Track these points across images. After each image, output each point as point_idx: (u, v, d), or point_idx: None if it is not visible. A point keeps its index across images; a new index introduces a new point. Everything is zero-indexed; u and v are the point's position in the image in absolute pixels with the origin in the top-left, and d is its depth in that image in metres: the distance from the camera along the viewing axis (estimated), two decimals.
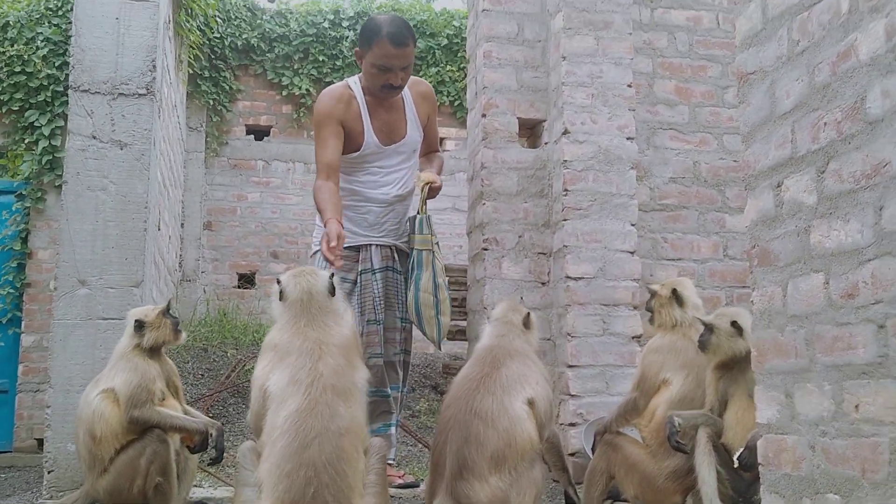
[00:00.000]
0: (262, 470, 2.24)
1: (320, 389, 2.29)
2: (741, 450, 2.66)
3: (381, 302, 3.77)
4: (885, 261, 1.86)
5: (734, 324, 2.83)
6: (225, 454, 3.14)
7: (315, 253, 3.85)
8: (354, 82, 3.95)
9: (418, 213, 3.85)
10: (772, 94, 2.31)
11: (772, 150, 2.30)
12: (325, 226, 3.61)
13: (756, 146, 2.38)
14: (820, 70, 2.11)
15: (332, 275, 2.64)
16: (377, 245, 3.83)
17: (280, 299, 2.56)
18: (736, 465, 2.65)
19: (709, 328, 2.88)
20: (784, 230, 2.23)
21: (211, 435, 3.16)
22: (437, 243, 3.83)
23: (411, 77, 4.05)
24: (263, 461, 2.25)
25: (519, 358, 2.86)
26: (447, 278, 3.82)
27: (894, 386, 1.82)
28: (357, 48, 3.89)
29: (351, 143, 3.85)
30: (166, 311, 3.22)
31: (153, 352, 3.17)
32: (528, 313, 3.07)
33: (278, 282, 2.63)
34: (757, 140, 2.38)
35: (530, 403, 2.72)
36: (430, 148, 4.16)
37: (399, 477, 3.80)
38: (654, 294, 3.17)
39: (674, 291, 3.11)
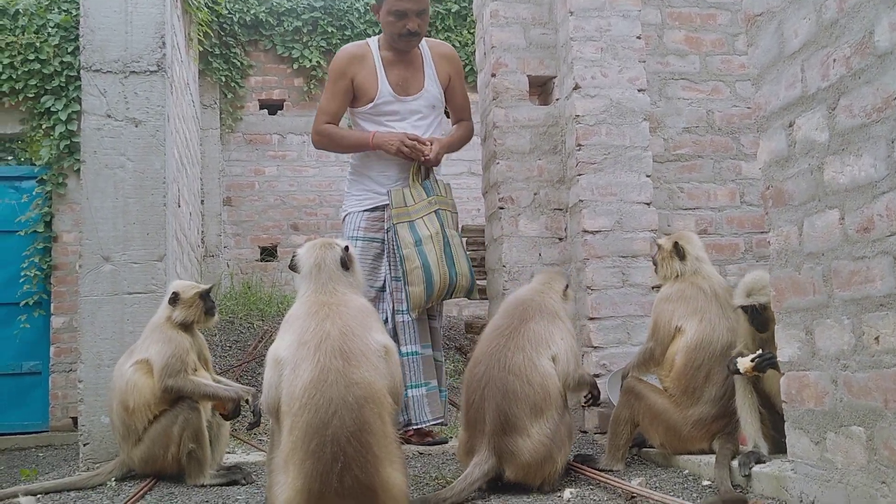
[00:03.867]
0: (287, 443, 2.20)
1: (329, 353, 2.23)
2: (757, 353, 2.69)
3: None
4: None
5: (675, 245, 3.13)
6: (262, 419, 3.19)
7: (345, 218, 3.97)
8: (373, 41, 4.03)
9: (407, 184, 3.88)
10: (780, 35, 2.31)
11: (782, 91, 2.30)
12: (371, 144, 3.83)
13: (766, 87, 2.38)
14: (827, 7, 2.11)
15: (347, 247, 2.63)
16: None
17: (295, 271, 2.57)
18: (751, 361, 2.67)
19: (658, 247, 3.25)
20: (797, 169, 2.24)
21: (247, 401, 3.22)
22: (436, 211, 3.85)
23: (434, 39, 4.13)
24: (287, 433, 2.21)
25: (548, 316, 2.94)
26: (436, 244, 3.80)
27: None
28: (373, 3, 3.97)
29: (364, 95, 3.93)
30: (205, 294, 3.27)
31: (185, 326, 3.23)
32: (567, 285, 3.16)
33: (294, 254, 2.64)
34: (767, 81, 2.37)
35: (553, 359, 2.85)
36: (459, 115, 4.17)
37: (429, 435, 3.87)
38: (658, 247, 3.27)
39: (675, 245, 3.17)
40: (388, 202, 3.83)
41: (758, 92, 2.42)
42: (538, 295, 3.03)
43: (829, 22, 2.10)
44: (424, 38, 4.04)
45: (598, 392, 3.10)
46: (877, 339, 1.96)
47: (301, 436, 2.17)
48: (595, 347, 3.82)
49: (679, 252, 3.16)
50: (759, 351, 2.70)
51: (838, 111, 2.07)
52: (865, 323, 2.00)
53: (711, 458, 2.82)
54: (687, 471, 2.97)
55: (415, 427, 3.79)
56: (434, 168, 3.96)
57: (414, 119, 3.93)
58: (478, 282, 4.80)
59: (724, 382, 2.93)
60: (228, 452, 3.69)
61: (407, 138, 3.79)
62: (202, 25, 6.90)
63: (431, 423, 3.80)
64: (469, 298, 4.03)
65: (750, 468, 2.57)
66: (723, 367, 2.90)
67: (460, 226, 4.26)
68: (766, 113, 2.38)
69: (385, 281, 3.85)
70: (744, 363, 2.70)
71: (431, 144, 3.84)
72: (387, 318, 3.78)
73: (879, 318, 1.94)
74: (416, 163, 3.85)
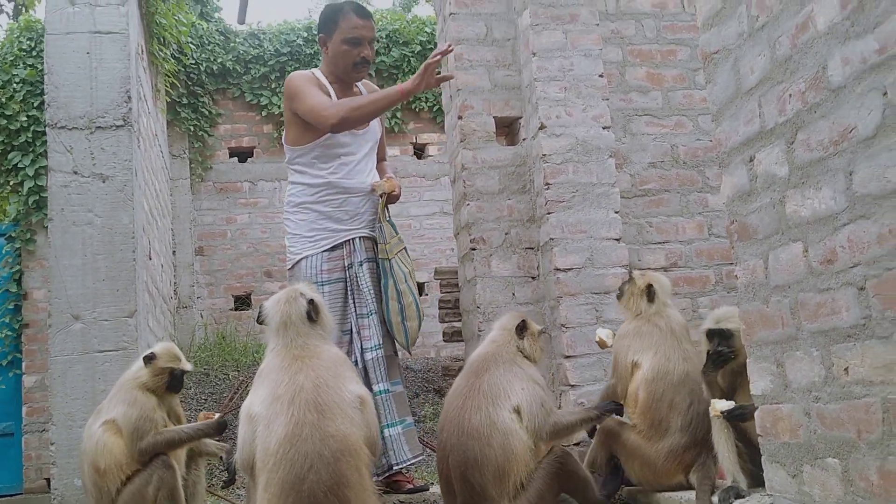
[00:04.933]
0: (263, 501, 2.17)
1: (303, 407, 2.21)
2: (732, 403, 2.70)
3: (371, 292, 3.73)
4: (859, 224, 1.89)
5: (649, 287, 3.14)
6: (237, 476, 3.14)
7: (298, 263, 3.80)
8: (319, 73, 3.92)
9: (378, 221, 3.80)
10: (736, 72, 2.35)
11: (741, 126, 2.34)
12: (401, 92, 3.65)
13: (726, 123, 2.41)
14: (780, 43, 2.15)
15: (312, 299, 2.61)
16: (360, 237, 3.80)
17: (260, 323, 2.54)
18: (721, 410, 2.68)
19: (630, 278, 3.23)
20: (760, 203, 2.27)
21: (221, 458, 3.18)
22: (404, 249, 3.83)
23: (365, 80, 4.07)
24: (262, 490, 2.18)
25: (504, 364, 2.83)
26: (414, 282, 3.80)
27: (880, 346, 1.85)
28: (320, 35, 3.87)
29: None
30: (177, 373, 3.20)
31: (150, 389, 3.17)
32: (523, 321, 3.05)
33: (261, 307, 2.61)
34: (726, 117, 2.41)
35: (517, 411, 2.71)
36: (381, 154, 4.12)
37: (408, 482, 3.77)
38: (631, 279, 3.27)
39: (648, 286, 3.20)
40: (346, 239, 3.74)
41: (718, 128, 2.45)
42: (492, 345, 2.94)
43: (784, 58, 2.14)
44: None
45: (596, 420, 3.03)
46: (846, 369, 1.97)
47: (277, 492, 2.14)
48: (572, 386, 3.81)
49: (650, 294, 3.19)
50: (732, 402, 2.73)
51: (796, 145, 2.11)
52: (834, 354, 2.01)
53: (691, 495, 2.81)
54: None
55: (395, 469, 3.71)
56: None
57: (367, 151, 3.87)
58: (454, 323, 4.81)
59: (688, 410, 2.95)
60: None
61: (429, 64, 3.60)
62: (169, 76, 6.92)
63: (412, 461, 3.67)
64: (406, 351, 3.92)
65: (730, 503, 2.57)
66: (684, 396, 2.93)
67: (425, 265, 4.26)
68: (726, 148, 2.41)
69: (351, 321, 3.72)
70: (717, 406, 2.71)
71: (388, 179, 3.86)
72: (356, 360, 3.64)
73: (847, 349, 1.96)
74: (383, 201, 3.76)
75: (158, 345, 3.26)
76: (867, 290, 1.88)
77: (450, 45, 3.71)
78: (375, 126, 3.94)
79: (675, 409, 2.97)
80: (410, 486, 3.75)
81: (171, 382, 3.18)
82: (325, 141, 3.80)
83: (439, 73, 3.69)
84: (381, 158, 4.09)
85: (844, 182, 1.93)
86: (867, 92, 1.84)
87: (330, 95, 3.81)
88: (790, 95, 2.12)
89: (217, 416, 3.14)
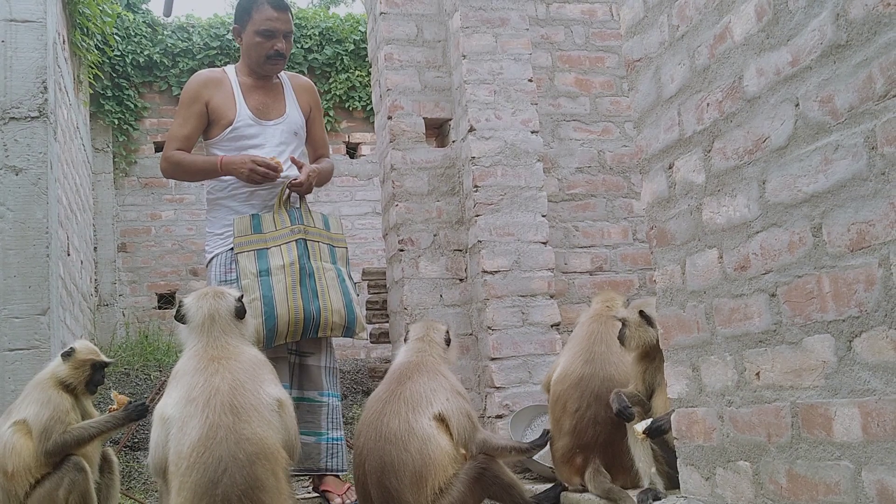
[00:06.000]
0: None
1: (219, 409, 2.16)
2: (649, 420, 2.74)
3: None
4: (771, 232, 1.93)
5: (641, 313, 2.89)
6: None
7: (211, 261, 3.68)
8: (230, 68, 3.85)
9: (273, 210, 3.61)
10: (658, 80, 2.38)
11: (661, 134, 2.37)
12: (220, 168, 3.55)
13: (647, 131, 2.45)
14: (699, 53, 2.19)
15: (241, 296, 2.56)
16: None
17: (180, 321, 2.47)
18: (643, 431, 2.72)
19: (623, 323, 2.94)
20: (678, 210, 2.30)
21: (146, 405, 3.06)
22: (296, 242, 3.56)
23: (291, 72, 3.99)
24: (175, 494, 2.13)
25: (428, 373, 2.80)
26: (289, 276, 3.50)
27: (789, 351, 1.90)
28: (235, 26, 3.79)
29: (221, 119, 3.70)
30: (98, 365, 3.09)
31: (67, 387, 3.05)
32: (448, 330, 3.06)
33: (181, 303, 2.54)
34: (647, 125, 2.45)
35: (440, 419, 2.68)
36: (319, 151, 4.00)
37: (339, 495, 3.54)
38: (624, 322, 2.98)
39: (640, 313, 2.93)
40: None
41: (639, 135, 2.49)
42: (416, 354, 2.92)
43: (702, 67, 2.18)
44: (284, 71, 3.91)
45: (527, 453, 3.01)
46: (757, 374, 2.02)
47: (190, 496, 2.09)
48: (497, 388, 3.82)
49: (647, 319, 2.92)
50: (648, 419, 2.76)
51: (713, 153, 2.15)
52: (746, 359, 2.06)
53: (592, 497, 2.85)
54: None
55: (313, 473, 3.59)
56: (304, 198, 3.70)
57: (275, 145, 3.71)
58: (382, 325, 4.78)
59: (574, 413, 2.99)
60: None
61: (255, 161, 3.52)
62: (93, 68, 6.72)
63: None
64: (352, 338, 3.73)
65: None
66: (575, 399, 2.99)
67: (356, 265, 4.08)
68: (647, 155, 2.45)
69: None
70: (638, 429, 2.75)
71: (302, 167, 3.64)
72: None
73: (759, 354, 2.00)
74: (286, 189, 3.60)
75: (78, 342, 3.15)
76: (778, 296, 1.92)
77: (279, 165, 3.56)
78: (292, 116, 3.81)
79: (566, 411, 3.02)
80: (339, 500, 3.53)
81: (92, 376, 3.06)
82: (229, 134, 3.70)
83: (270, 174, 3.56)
84: (319, 155, 3.98)
85: (758, 190, 1.98)
86: (780, 103, 1.88)
87: (234, 95, 3.72)
88: (708, 104, 2.17)
89: (129, 401, 3.00)
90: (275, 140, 3.73)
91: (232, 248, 3.57)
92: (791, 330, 1.88)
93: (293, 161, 3.71)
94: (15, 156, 3.47)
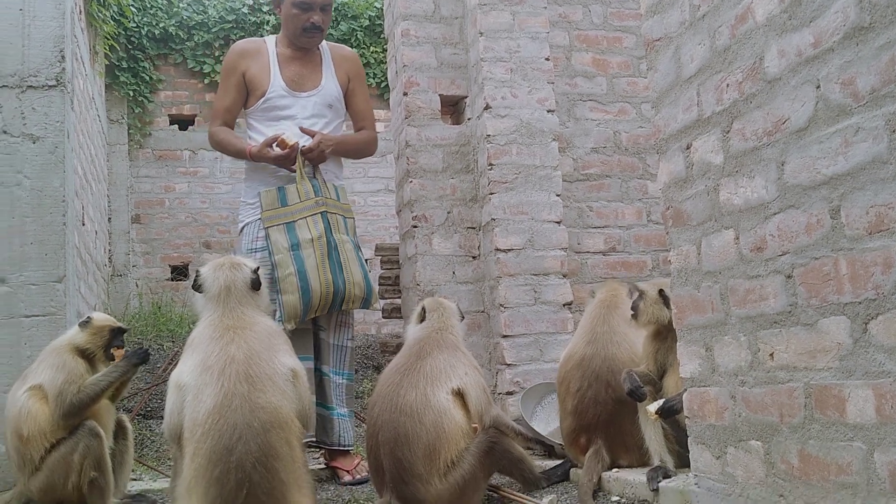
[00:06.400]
0: (190, 470, 2.15)
1: (234, 377, 2.18)
2: (661, 400, 2.76)
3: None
4: (789, 213, 1.93)
5: (661, 292, 2.90)
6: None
7: (242, 229, 3.74)
8: (270, 38, 3.91)
9: (295, 181, 3.63)
10: (677, 59, 2.38)
11: (680, 114, 2.37)
12: (248, 155, 3.63)
13: (665, 110, 2.44)
14: (720, 33, 2.18)
15: (258, 268, 2.58)
16: None
17: (199, 291, 2.49)
18: (655, 411, 2.73)
19: (640, 294, 2.95)
20: (695, 190, 2.30)
21: (147, 349, 3.10)
22: (320, 214, 3.58)
23: (335, 43, 4.02)
24: (189, 460, 2.15)
25: (448, 349, 2.82)
26: (318, 249, 3.54)
27: (804, 333, 1.91)
28: None
29: (257, 89, 3.77)
30: (116, 331, 3.12)
31: (84, 354, 3.08)
32: (458, 306, 3.10)
33: (197, 273, 2.55)
34: (665, 104, 2.44)
35: (458, 394, 2.69)
36: (360, 122, 3.97)
37: (349, 471, 3.59)
38: (641, 293, 3.01)
39: (660, 292, 2.95)
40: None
41: (657, 115, 2.48)
42: (436, 331, 2.92)
43: (723, 48, 2.17)
44: (326, 41, 3.94)
45: (529, 442, 3.06)
46: (771, 355, 2.03)
47: (204, 463, 2.12)
48: (508, 365, 3.84)
49: (665, 299, 2.92)
50: (660, 400, 2.78)
51: (732, 134, 2.14)
52: (761, 340, 2.06)
53: (618, 473, 2.87)
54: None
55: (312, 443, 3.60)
56: (321, 169, 3.70)
57: (307, 116, 3.74)
58: (394, 300, 4.80)
59: (576, 393, 3.02)
60: (133, 479, 3.57)
61: (275, 157, 3.56)
62: (109, 38, 6.72)
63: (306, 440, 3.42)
64: (368, 309, 3.81)
65: (658, 483, 2.62)
66: (577, 379, 3.02)
67: (369, 242, 4.06)
68: (664, 135, 2.44)
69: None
70: (650, 410, 2.77)
71: (313, 136, 3.64)
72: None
73: (773, 335, 2.01)
74: (303, 158, 3.60)
75: (93, 313, 3.18)
76: (794, 278, 1.93)
77: (294, 144, 3.57)
78: (328, 88, 3.82)
79: (569, 391, 3.05)
80: (349, 477, 3.58)
81: (111, 341, 3.09)
82: (262, 104, 3.76)
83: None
84: (360, 127, 3.97)
85: (776, 172, 1.98)
86: (801, 84, 1.88)
87: (269, 66, 3.77)
88: (728, 85, 2.16)
89: (129, 367, 3.03)
90: (307, 112, 3.76)
91: (260, 219, 3.61)
92: (806, 311, 1.89)
93: (302, 130, 3.70)
94: (32, 124, 3.48)
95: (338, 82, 3.87)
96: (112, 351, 3.06)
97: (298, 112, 3.74)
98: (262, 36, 7.82)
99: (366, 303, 3.66)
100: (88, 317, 3.10)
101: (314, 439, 3.64)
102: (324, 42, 3.93)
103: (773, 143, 1.99)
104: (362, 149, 3.96)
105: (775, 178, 1.98)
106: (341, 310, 3.65)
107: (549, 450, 3.50)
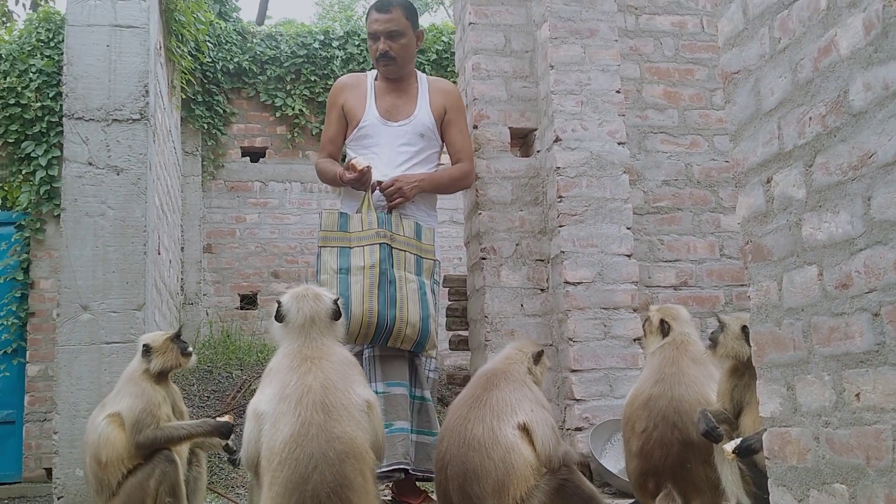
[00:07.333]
0: (266, 499, 2.17)
1: (311, 407, 2.20)
2: (738, 439, 2.68)
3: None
4: (876, 250, 1.88)
5: (744, 328, 2.83)
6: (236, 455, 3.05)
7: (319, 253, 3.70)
8: (372, 73, 4.06)
9: (358, 210, 3.64)
10: (756, 92, 2.35)
11: (759, 147, 2.33)
12: (341, 180, 3.69)
13: (744, 144, 2.41)
14: (802, 66, 2.15)
15: (338, 298, 2.61)
16: None
17: (279, 321, 2.52)
18: (732, 450, 2.66)
19: (721, 326, 2.90)
20: (776, 225, 2.26)
21: (232, 426, 3.16)
22: (379, 245, 3.53)
23: (437, 77, 4.10)
24: (267, 489, 2.18)
25: (514, 384, 2.78)
26: (367, 277, 3.48)
27: (892, 373, 1.84)
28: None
29: (353, 120, 3.90)
30: (175, 337, 3.23)
31: (160, 377, 3.18)
32: (542, 351, 3.03)
33: (279, 303, 2.58)
34: (744, 138, 2.41)
35: (524, 429, 2.65)
36: (456, 155, 3.97)
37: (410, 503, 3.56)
38: (647, 319, 3.19)
39: (661, 322, 3.18)
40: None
41: (735, 148, 2.45)
42: (505, 363, 2.90)
43: (805, 81, 2.14)
44: (426, 76, 4.05)
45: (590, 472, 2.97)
46: (857, 395, 1.96)
47: (281, 491, 2.14)
48: (577, 400, 3.80)
49: (664, 329, 3.16)
50: (738, 438, 2.70)
51: (815, 168, 2.10)
52: (846, 379, 2.00)
53: None
54: None
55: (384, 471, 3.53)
56: (407, 206, 3.73)
57: (399, 144, 3.80)
58: (460, 332, 4.79)
59: (641, 434, 2.94)
60: None
61: (349, 179, 3.63)
62: (185, 73, 6.95)
63: (386, 469, 3.35)
64: (421, 353, 3.66)
65: None
66: (643, 420, 2.94)
67: (441, 276, 4.04)
68: (743, 169, 2.41)
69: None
70: (727, 449, 2.70)
71: (395, 182, 3.67)
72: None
73: (859, 375, 1.95)
74: (370, 191, 3.63)
75: (143, 336, 3.25)
76: (882, 316, 1.87)
77: (364, 168, 3.60)
78: (420, 118, 3.88)
79: (634, 432, 2.98)
80: None
81: (180, 347, 3.17)
82: (356, 133, 3.88)
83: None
84: (456, 160, 3.98)
85: (862, 207, 1.93)
86: (888, 118, 1.83)
87: (365, 96, 3.89)
88: (810, 118, 2.12)
89: (224, 417, 3.13)
90: (397, 141, 3.83)
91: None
92: (895, 351, 1.83)
93: (379, 187, 3.68)
94: (116, 156, 3.61)
95: (432, 113, 3.92)
96: (227, 418, 3.18)
97: (387, 140, 3.82)
98: (331, 70, 8.06)
99: (418, 346, 3.56)
100: (145, 344, 3.18)
101: (388, 468, 3.59)
102: (423, 75, 4.05)
103: (858, 178, 1.94)
104: (456, 183, 4.00)
105: (861, 213, 1.93)
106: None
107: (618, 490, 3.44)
